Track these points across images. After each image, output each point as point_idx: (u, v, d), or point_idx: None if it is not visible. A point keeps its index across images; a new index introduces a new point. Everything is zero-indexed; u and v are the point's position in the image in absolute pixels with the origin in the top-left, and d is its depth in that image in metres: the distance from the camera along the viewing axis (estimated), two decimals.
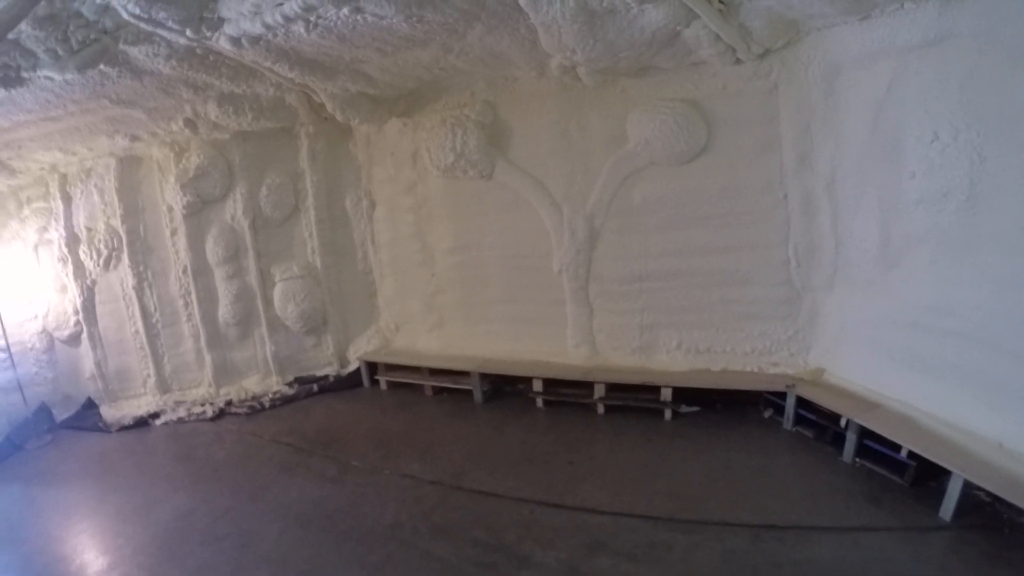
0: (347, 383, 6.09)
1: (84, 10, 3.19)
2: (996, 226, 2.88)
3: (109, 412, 6.03)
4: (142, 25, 3.28)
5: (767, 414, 4.26)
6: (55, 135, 5.01)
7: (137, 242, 5.82)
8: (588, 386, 4.72)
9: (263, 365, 6.10)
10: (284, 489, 4.04)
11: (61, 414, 6.08)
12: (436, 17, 3.40)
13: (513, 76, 4.70)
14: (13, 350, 6.03)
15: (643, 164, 4.45)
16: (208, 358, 5.97)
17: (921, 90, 3.15)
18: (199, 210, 5.70)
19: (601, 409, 4.67)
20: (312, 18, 3.29)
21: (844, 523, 3.00)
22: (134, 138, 5.32)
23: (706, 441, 4.02)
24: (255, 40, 3.54)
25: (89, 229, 5.90)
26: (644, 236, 4.60)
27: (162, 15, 3.15)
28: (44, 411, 6.05)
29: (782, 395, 4.09)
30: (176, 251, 5.82)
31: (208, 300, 5.89)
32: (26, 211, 6.14)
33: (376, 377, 6.02)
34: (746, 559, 2.81)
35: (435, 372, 5.57)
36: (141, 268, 5.86)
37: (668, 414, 4.40)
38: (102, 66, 3.71)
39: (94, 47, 3.53)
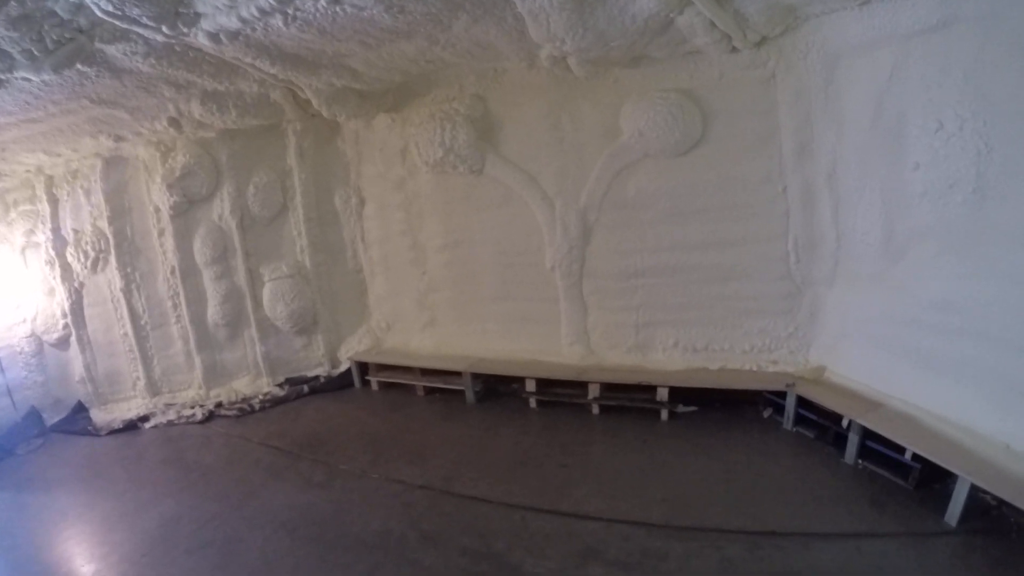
0: (338, 383, 6.02)
1: (58, 8, 3.10)
2: (1004, 219, 2.78)
3: (99, 415, 5.98)
4: (117, 22, 3.20)
5: (767, 414, 4.15)
6: (38, 137, 4.95)
7: (124, 243, 5.75)
8: (582, 386, 4.62)
9: (253, 366, 6.02)
10: (271, 495, 3.97)
11: (51, 418, 6.05)
12: (418, 7, 3.29)
13: (502, 68, 4.60)
14: (2, 354, 6.01)
15: (637, 157, 4.35)
16: (198, 360, 5.90)
17: (924, 77, 3.05)
18: (186, 210, 5.62)
19: (596, 409, 4.57)
20: (289, 11, 3.19)
21: (846, 529, 2.90)
22: (118, 138, 5.25)
23: (704, 442, 3.91)
24: (234, 35, 3.44)
25: (76, 231, 5.85)
26: (639, 231, 4.50)
27: (136, 11, 3.06)
28: (34, 415, 6.02)
29: (782, 394, 3.98)
30: (164, 252, 5.75)
31: (197, 301, 5.82)
32: (13, 214, 6.09)
33: (367, 377, 5.94)
34: (744, 568, 2.71)
35: (427, 372, 5.49)
36: (129, 270, 5.79)
37: (665, 414, 4.30)
38: (79, 65, 3.65)
39: (70, 46, 3.48)
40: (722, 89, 4.02)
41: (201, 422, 5.55)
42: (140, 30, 3.30)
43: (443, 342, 5.72)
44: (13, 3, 2.89)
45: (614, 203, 4.54)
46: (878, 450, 3.30)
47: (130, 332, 5.88)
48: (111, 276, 5.82)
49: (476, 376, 5.17)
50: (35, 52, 3.39)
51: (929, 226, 3.16)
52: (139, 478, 4.55)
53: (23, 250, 6.11)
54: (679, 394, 4.29)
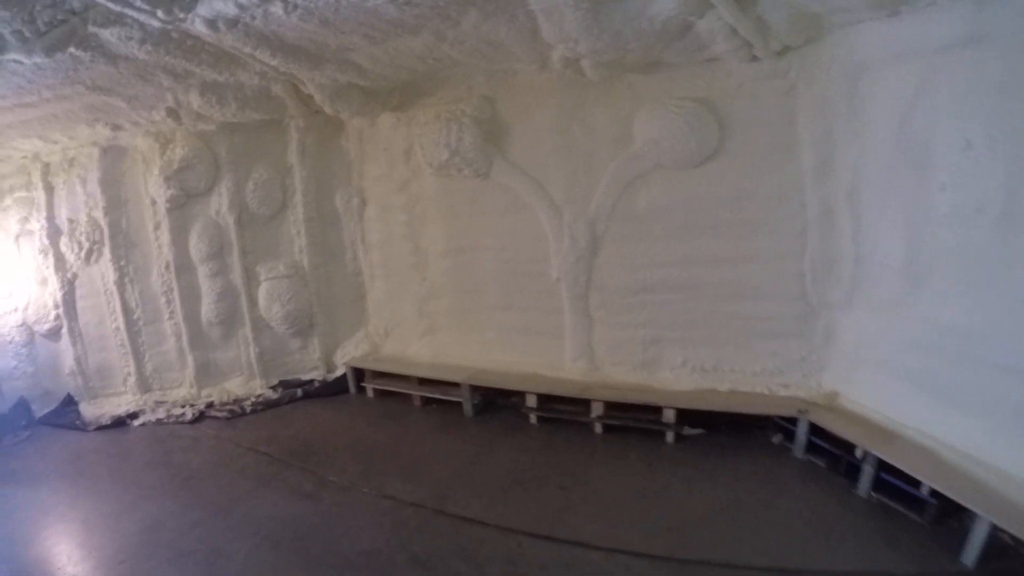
0: (333, 389, 5.86)
1: None
2: None
3: (88, 409, 5.86)
4: (110, 5, 3.09)
5: (776, 439, 3.99)
6: (33, 122, 4.84)
7: (119, 236, 5.63)
8: (585, 403, 4.45)
9: (247, 367, 5.88)
10: (257, 504, 3.83)
11: (40, 409, 5.95)
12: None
13: (512, 69, 4.44)
14: None
15: (650, 167, 4.21)
16: (190, 358, 5.76)
17: (953, 94, 2.91)
18: (183, 204, 5.49)
19: (599, 428, 4.40)
20: None
21: (858, 567, 2.76)
22: (116, 127, 5.13)
23: (711, 468, 3.75)
24: (232, 23, 3.31)
25: (71, 221, 5.73)
26: (649, 244, 4.35)
27: None
28: (23, 406, 5.91)
29: (793, 420, 3.81)
30: (159, 246, 5.61)
31: (191, 298, 5.69)
32: (7, 200, 5.97)
33: (363, 384, 5.77)
34: None
35: (424, 382, 5.33)
36: (123, 263, 5.67)
37: (671, 436, 4.13)
38: (73, 49, 3.53)
39: (62, 28, 3.37)
40: (740, 99, 3.88)
41: (191, 422, 5.42)
42: (134, 14, 3.18)
43: (442, 351, 5.56)
44: None
45: (624, 214, 4.39)
46: (892, 483, 3.15)
47: (122, 326, 5.75)
48: (105, 268, 5.69)
49: (475, 388, 5.01)
50: (26, 33, 3.28)
51: (953, 250, 3.02)
52: (123, 479, 4.44)
53: (17, 238, 5.99)
54: (686, 416, 4.12)
